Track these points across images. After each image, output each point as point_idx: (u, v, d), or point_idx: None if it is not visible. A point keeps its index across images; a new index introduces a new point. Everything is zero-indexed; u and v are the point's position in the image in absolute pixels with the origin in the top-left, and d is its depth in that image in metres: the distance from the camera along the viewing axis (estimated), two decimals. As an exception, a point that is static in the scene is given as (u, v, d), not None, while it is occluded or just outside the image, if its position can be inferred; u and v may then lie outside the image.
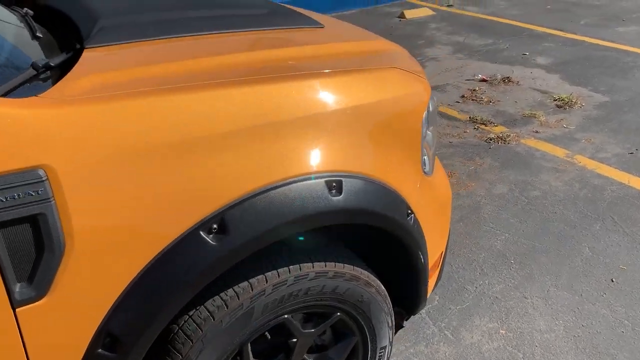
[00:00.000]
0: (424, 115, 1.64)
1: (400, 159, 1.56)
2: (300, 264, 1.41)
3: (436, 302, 2.40)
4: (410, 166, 1.61)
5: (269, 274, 1.36)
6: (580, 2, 7.83)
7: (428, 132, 1.77)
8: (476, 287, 2.49)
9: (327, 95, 1.40)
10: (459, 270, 2.59)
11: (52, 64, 1.35)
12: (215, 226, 1.19)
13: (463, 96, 4.62)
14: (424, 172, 1.71)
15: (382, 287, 1.62)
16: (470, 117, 4.21)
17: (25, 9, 1.86)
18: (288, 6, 2.22)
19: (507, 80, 4.92)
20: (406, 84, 1.59)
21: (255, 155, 1.26)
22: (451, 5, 7.75)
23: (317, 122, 1.36)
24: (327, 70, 1.47)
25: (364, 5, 7.76)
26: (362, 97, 1.45)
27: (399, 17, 7.19)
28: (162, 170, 1.15)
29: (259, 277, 1.35)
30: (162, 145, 1.15)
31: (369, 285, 1.55)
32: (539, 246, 2.75)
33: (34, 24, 1.69)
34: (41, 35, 1.61)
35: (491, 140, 3.85)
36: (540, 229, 2.89)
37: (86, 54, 1.43)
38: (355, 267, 1.51)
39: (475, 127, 4.07)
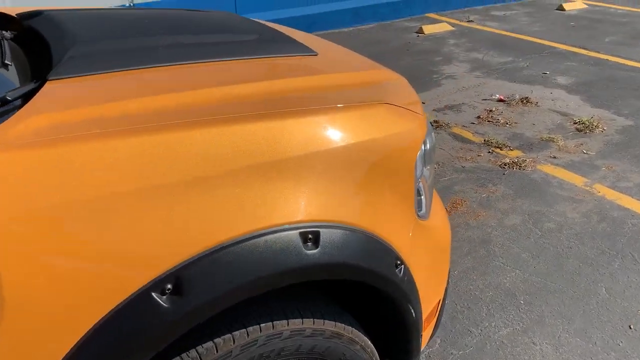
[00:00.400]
0: (418, 155, 1.50)
1: (390, 204, 1.42)
2: (273, 321, 1.27)
3: (437, 345, 2.24)
4: (402, 211, 1.47)
5: (236, 333, 1.23)
6: (605, 18, 7.61)
7: (425, 171, 1.64)
8: (481, 330, 2.32)
9: (304, 135, 1.27)
10: (464, 310, 2.43)
11: (9, 98, 1.25)
12: (169, 286, 1.07)
13: (479, 117, 4.45)
14: (419, 216, 1.56)
15: (369, 343, 1.48)
16: (485, 140, 4.04)
17: (3, 31, 1.77)
18: (284, 29, 2.11)
19: (525, 100, 4.74)
20: (397, 121, 1.46)
21: (218, 205, 1.13)
22: (471, 21, 7.59)
23: (293, 165, 1.23)
24: (306, 108, 1.35)
25: (381, 19, 7.64)
26: (345, 137, 1.32)
27: (417, 32, 7.05)
28: (108, 225, 1.03)
29: (225, 336, 1.22)
30: (109, 196, 1.03)
31: (352, 343, 1.41)
32: (551, 285, 2.58)
33: (7, 48, 1.60)
34: (10, 63, 1.52)
35: (506, 165, 3.68)
36: (553, 265, 2.71)
37: (47, 87, 1.32)
38: (337, 323, 1.38)
39: (490, 150, 3.90)
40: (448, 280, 1.85)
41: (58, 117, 1.15)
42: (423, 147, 1.57)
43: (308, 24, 7.09)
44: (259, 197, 1.18)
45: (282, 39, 1.85)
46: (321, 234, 1.23)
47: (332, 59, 1.80)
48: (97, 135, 1.10)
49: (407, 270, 1.44)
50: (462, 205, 3.22)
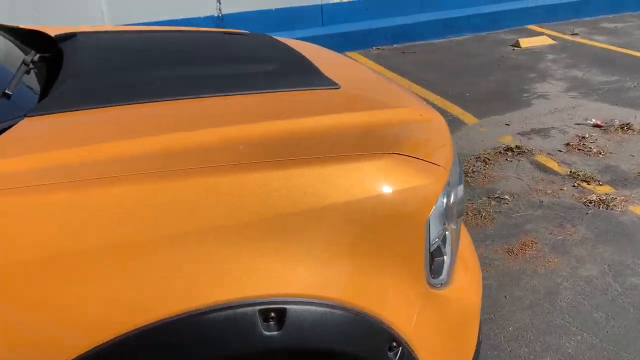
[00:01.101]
0: (432, 213, 1.27)
1: (388, 273, 1.21)
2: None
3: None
4: (406, 282, 1.25)
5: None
6: None
7: (446, 232, 1.40)
8: (530, 404, 2.01)
9: (280, 191, 1.10)
10: (513, 376, 2.13)
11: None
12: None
13: (568, 144, 4.01)
14: (433, 285, 1.33)
15: None
16: (571, 171, 3.62)
17: (29, 56, 1.74)
18: (319, 52, 1.95)
19: (626, 127, 4.22)
20: (405, 176, 1.24)
21: (162, 273, 0.99)
22: (576, 34, 6.97)
23: (255, 225, 1.06)
24: (288, 158, 1.17)
25: (477, 31, 7.23)
26: (330, 194, 1.13)
27: (513, 45, 6.58)
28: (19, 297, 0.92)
29: None
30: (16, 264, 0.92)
31: None
32: (625, 356, 2.20)
33: (20, 75, 1.56)
34: (10, 93, 1.47)
35: (591, 203, 3.25)
36: (632, 332, 2.32)
37: (22, 124, 1.25)
38: None
39: (575, 184, 3.48)
40: (478, 351, 1.59)
41: (22, 160, 1.06)
42: (444, 202, 1.34)
43: (399, 35, 6.85)
44: (214, 264, 1.02)
45: (304, 69, 1.69)
46: (288, 311, 1.05)
47: (354, 93, 1.60)
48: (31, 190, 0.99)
49: (407, 353, 1.22)
50: (531, 248, 2.87)
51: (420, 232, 1.24)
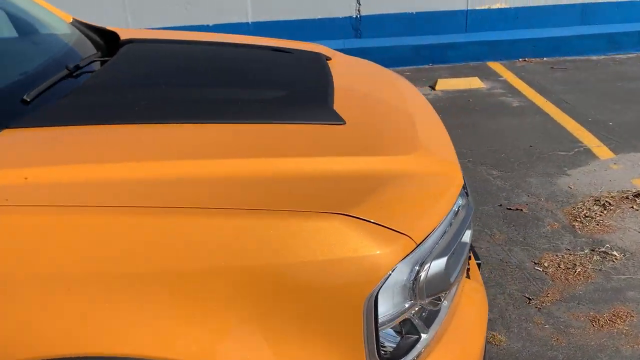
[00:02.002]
0: (375, 290, 1.08)
1: (308, 354, 1.05)
2: None
3: None
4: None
5: None
6: None
7: (427, 308, 1.21)
8: None
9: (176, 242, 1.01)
10: None
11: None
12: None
13: None
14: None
15: None
16: None
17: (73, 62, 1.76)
18: (351, 82, 1.81)
19: None
20: (346, 243, 1.06)
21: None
22: None
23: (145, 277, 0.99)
24: (213, 207, 1.07)
25: (646, 48, 6.32)
26: (249, 252, 1.01)
27: (687, 70, 5.64)
28: None
29: None
30: None
31: None
32: None
33: (50, 82, 1.62)
34: (28, 99, 1.53)
35: None
36: None
37: (3, 135, 1.30)
38: None
39: None
40: None
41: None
42: (409, 276, 1.15)
43: (551, 47, 6.25)
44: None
45: (315, 99, 1.55)
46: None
47: (356, 133, 1.43)
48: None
49: None
50: (624, 322, 2.42)
51: (357, 309, 1.06)
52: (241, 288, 1.00)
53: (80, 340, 0.96)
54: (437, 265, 1.18)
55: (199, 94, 1.57)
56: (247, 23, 6.13)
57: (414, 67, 6.22)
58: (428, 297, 1.19)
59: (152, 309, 0.98)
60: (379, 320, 1.11)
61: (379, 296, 1.09)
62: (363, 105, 1.57)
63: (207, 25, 6.08)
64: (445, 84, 5.54)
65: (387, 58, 5.73)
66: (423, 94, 1.99)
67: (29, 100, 1.49)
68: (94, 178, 1.15)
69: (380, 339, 1.13)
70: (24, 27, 2.13)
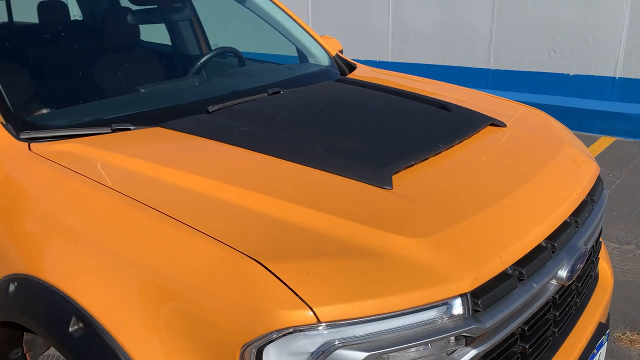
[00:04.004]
0: (247, 343, 1.12)
1: None
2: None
3: None
4: None
5: None
6: None
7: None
8: None
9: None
10: None
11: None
12: None
13: None
14: None
15: None
16: None
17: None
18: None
19: None
20: (250, 290, 1.14)
21: None
22: None
23: None
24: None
25: None
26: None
27: None
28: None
29: None
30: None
31: None
32: None
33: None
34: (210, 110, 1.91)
35: None
36: None
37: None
38: None
39: None
40: None
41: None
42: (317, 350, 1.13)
43: None
44: None
45: (379, 158, 1.57)
46: None
47: (396, 202, 1.42)
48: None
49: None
50: None
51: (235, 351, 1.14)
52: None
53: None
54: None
55: (317, 137, 1.67)
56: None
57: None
58: None
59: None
60: None
61: (265, 353, 1.12)
62: (448, 186, 1.53)
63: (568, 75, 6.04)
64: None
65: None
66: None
67: (210, 111, 1.89)
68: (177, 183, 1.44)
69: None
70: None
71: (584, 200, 1.70)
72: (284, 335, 1.12)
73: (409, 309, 1.18)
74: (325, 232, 1.28)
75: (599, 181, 1.87)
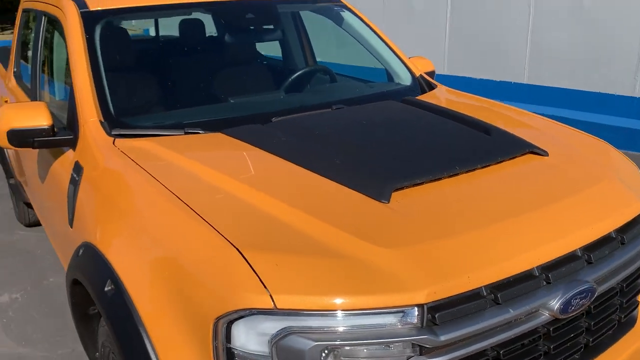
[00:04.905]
0: (218, 316, 1.35)
1: None
2: None
3: None
4: None
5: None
6: None
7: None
8: None
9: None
10: None
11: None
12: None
13: None
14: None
15: None
16: None
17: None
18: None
19: None
20: (229, 270, 1.40)
21: None
22: None
23: None
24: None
25: None
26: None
27: None
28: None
29: None
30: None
31: None
32: None
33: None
34: (275, 121, 2.19)
35: None
36: None
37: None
38: None
39: None
40: None
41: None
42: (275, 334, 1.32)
43: None
44: None
45: (383, 173, 1.73)
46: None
47: (388, 216, 1.54)
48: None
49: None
50: None
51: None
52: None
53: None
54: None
55: (342, 150, 1.87)
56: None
57: None
58: None
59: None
60: (238, 349, 1.34)
61: (234, 328, 1.33)
62: (448, 206, 1.61)
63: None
64: None
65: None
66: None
67: (272, 121, 2.16)
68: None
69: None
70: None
71: (607, 236, 1.65)
72: (248, 315, 1.31)
73: (363, 309, 1.30)
74: (309, 233, 1.45)
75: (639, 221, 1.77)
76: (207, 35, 3.03)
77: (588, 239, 1.60)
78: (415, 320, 1.32)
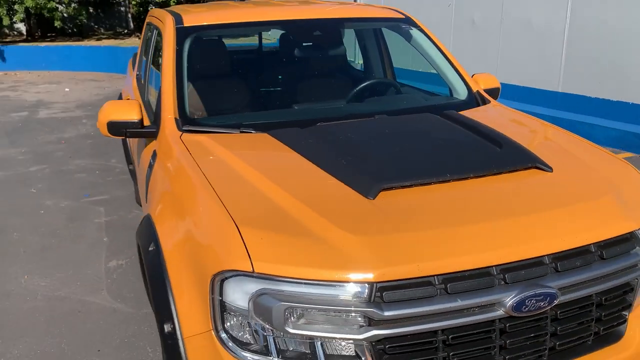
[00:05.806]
0: (214, 274, 1.70)
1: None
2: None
3: None
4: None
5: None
6: None
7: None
8: None
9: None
10: None
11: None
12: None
13: None
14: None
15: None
16: None
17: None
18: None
19: None
20: (227, 235, 1.75)
21: None
22: None
23: None
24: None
25: None
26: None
27: None
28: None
29: None
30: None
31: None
32: None
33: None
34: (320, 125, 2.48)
35: None
36: None
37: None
38: None
39: None
40: None
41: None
42: (254, 293, 1.61)
43: None
44: None
45: (376, 171, 1.98)
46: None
47: (372, 211, 1.80)
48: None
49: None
50: None
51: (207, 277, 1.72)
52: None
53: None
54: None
55: (353, 153, 2.13)
56: None
57: None
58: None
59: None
60: (228, 303, 1.66)
61: (226, 285, 1.65)
62: (429, 207, 1.81)
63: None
64: None
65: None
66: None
67: (316, 125, 2.46)
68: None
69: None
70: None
71: (583, 249, 1.75)
72: (235, 276, 1.64)
73: (323, 280, 1.59)
74: (298, 217, 1.75)
75: (627, 240, 1.84)
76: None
77: (557, 248, 1.71)
78: (365, 295, 1.57)
